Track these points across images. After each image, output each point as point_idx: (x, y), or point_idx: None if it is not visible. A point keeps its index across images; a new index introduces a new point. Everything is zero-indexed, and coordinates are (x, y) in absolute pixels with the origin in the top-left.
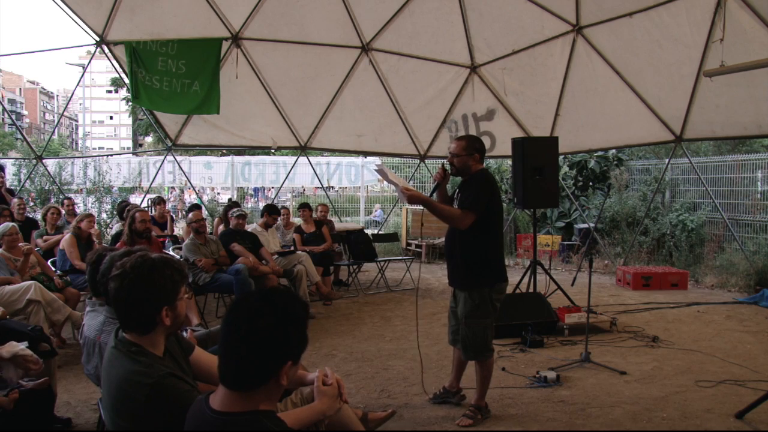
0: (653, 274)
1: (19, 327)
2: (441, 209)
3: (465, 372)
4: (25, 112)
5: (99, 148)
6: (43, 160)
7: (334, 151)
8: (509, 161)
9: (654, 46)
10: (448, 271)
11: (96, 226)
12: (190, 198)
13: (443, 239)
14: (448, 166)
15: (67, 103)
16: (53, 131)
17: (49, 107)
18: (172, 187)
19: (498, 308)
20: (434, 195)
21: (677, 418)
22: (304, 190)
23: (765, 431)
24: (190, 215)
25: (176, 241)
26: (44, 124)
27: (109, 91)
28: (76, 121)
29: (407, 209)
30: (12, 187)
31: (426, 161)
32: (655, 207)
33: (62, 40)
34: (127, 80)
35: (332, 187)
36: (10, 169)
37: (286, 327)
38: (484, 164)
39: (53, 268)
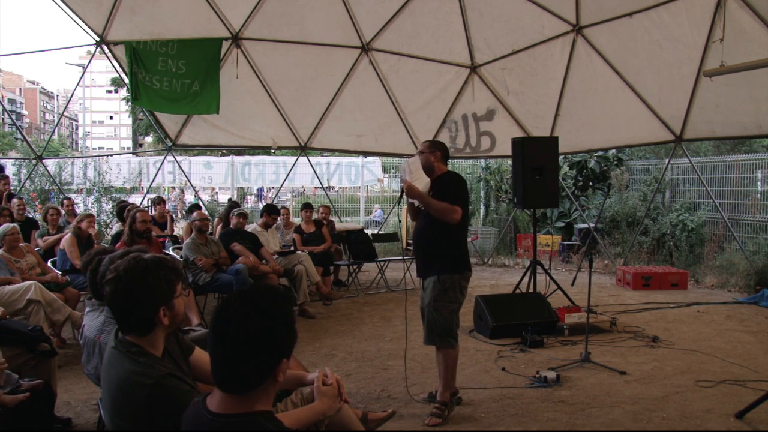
0: (653, 274)
1: (19, 327)
2: (437, 204)
3: (458, 372)
4: (25, 112)
5: (99, 148)
6: (43, 160)
7: (334, 151)
8: (509, 161)
9: (654, 46)
10: (419, 263)
11: (95, 227)
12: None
13: None
14: None
15: (67, 103)
16: (53, 131)
17: (49, 107)
18: (172, 187)
19: (464, 296)
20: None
21: (677, 418)
22: (304, 190)
23: (765, 431)
24: (195, 214)
25: (176, 241)
26: (44, 124)
27: (109, 91)
28: (76, 121)
29: (406, 209)
30: (12, 191)
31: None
32: (655, 207)
33: (62, 40)
34: (127, 80)
35: (332, 187)
36: (10, 169)
37: (274, 327)
38: (449, 166)
39: (53, 268)
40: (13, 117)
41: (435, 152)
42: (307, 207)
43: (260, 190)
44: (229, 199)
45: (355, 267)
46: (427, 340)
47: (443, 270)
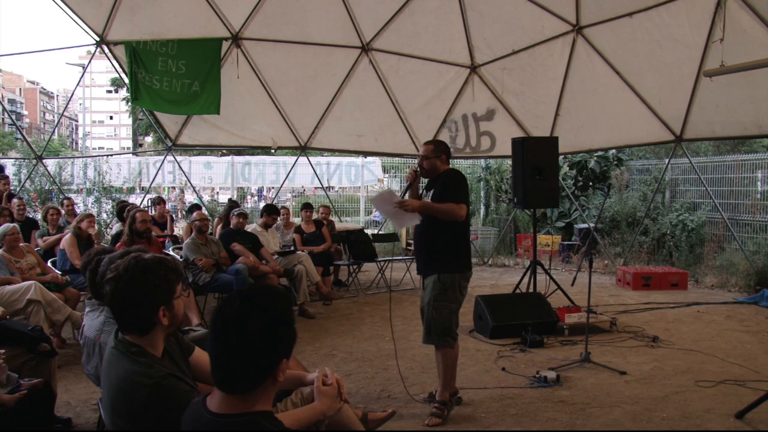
0: (653, 274)
1: (19, 327)
2: (440, 208)
3: (458, 372)
4: (25, 112)
5: (99, 148)
6: (43, 160)
7: (334, 151)
8: (509, 161)
9: (654, 46)
10: (419, 261)
11: (95, 227)
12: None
13: None
14: (418, 168)
15: (67, 103)
16: (53, 131)
17: (49, 107)
18: (172, 187)
19: (464, 296)
20: (407, 194)
21: (677, 418)
22: (304, 190)
23: (765, 431)
24: (194, 214)
25: (176, 241)
26: (44, 124)
27: (109, 91)
28: (76, 121)
29: None
30: (12, 192)
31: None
32: (655, 207)
33: (62, 40)
34: (127, 80)
35: (332, 187)
36: (10, 169)
37: (274, 328)
38: (450, 164)
39: (53, 268)
40: (13, 117)
41: (441, 156)
42: (307, 207)
43: (260, 190)
44: (229, 199)
45: (355, 267)
46: (425, 339)
47: (444, 269)
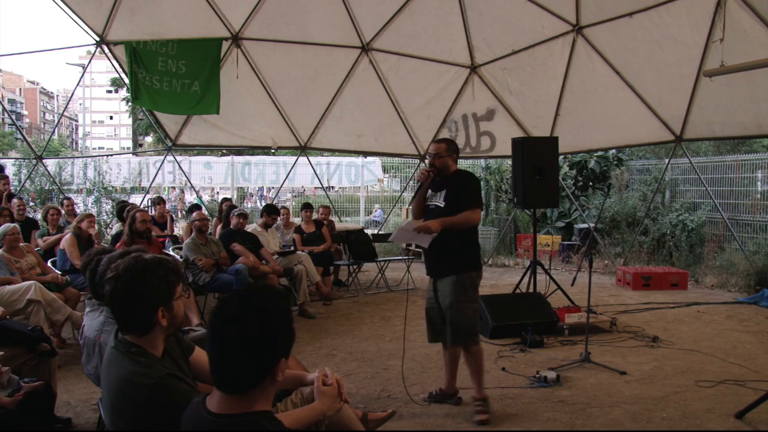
0: (653, 274)
1: (19, 327)
2: (458, 220)
3: (459, 372)
4: (25, 112)
5: (99, 148)
6: (43, 160)
7: (334, 151)
8: (509, 161)
9: (654, 46)
10: (431, 262)
11: (95, 227)
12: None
13: None
14: (431, 168)
15: (67, 103)
16: (53, 131)
17: (49, 107)
18: (172, 187)
19: (477, 294)
20: (418, 194)
21: (677, 418)
22: (304, 190)
23: (765, 431)
24: (194, 214)
25: (176, 241)
26: (44, 124)
27: (109, 91)
28: (76, 121)
29: (408, 209)
30: (12, 192)
31: (426, 161)
32: (655, 207)
33: (62, 40)
34: (127, 80)
35: (332, 187)
36: (10, 169)
37: (273, 328)
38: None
39: (53, 268)
40: (13, 117)
41: (452, 155)
42: (307, 207)
43: (260, 190)
44: (224, 199)
45: (355, 267)
46: (452, 341)
47: (462, 268)
